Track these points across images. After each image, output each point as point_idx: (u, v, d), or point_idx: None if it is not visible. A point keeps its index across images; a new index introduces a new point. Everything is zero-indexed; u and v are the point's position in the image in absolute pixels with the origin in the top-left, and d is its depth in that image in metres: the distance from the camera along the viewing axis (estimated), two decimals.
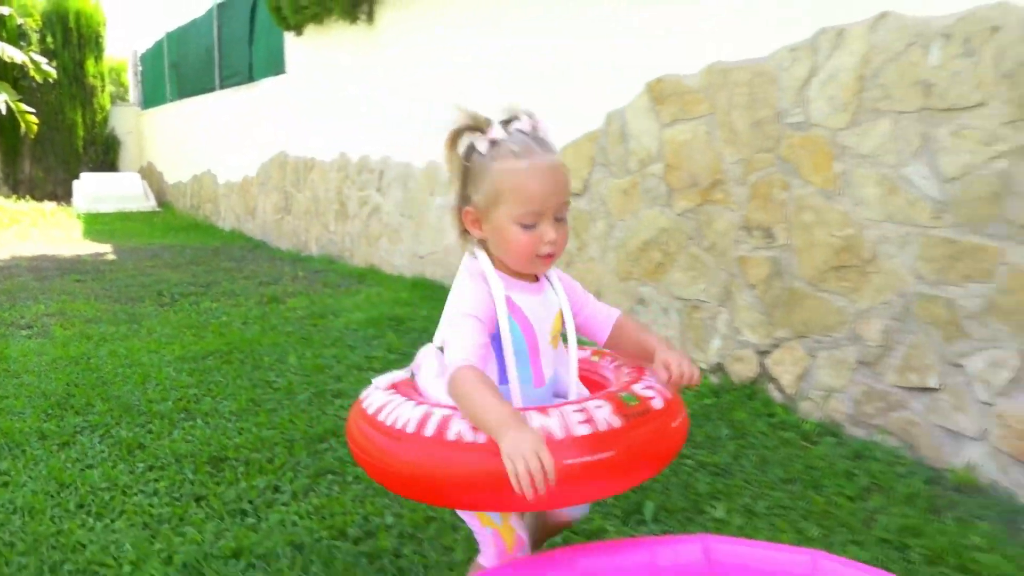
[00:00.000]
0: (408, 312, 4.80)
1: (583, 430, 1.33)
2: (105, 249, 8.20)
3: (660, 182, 3.75)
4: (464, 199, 1.49)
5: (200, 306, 5.16)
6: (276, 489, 2.44)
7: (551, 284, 1.60)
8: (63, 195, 13.56)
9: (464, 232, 1.52)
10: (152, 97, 13.63)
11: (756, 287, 3.33)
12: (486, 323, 1.44)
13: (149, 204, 12.55)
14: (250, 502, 2.34)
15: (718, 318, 3.54)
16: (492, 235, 1.47)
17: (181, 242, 8.67)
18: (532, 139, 1.44)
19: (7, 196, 12.95)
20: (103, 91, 14.58)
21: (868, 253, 2.88)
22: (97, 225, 10.34)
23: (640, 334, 1.63)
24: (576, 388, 1.60)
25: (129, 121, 14.94)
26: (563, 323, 1.57)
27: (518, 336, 1.49)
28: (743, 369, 3.42)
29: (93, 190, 12.46)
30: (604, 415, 1.36)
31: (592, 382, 1.70)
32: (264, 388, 3.38)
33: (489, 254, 1.51)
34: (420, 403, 1.43)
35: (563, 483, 1.26)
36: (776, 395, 3.27)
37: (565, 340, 1.59)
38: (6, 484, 2.44)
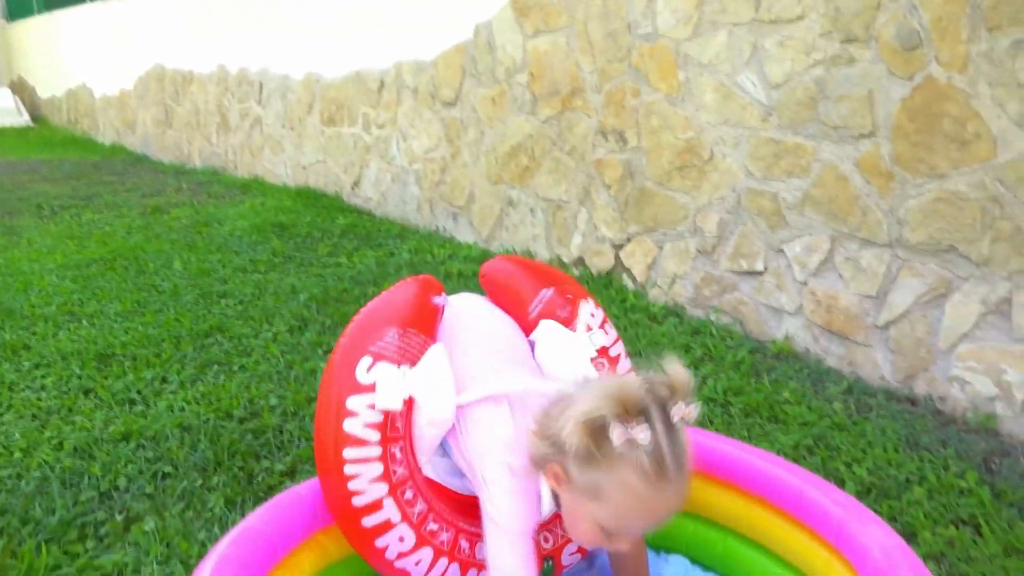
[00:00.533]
0: (292, 219, 4.73)
1: None
2: None
3: (525, 91, 3.80)
4: (560, 451, 1.15)
5: (82, 218, 4.94)
6: (164, 380, 2.44)
7: None
8: None
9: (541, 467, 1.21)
10: (17, 9, 12.50)
11: (611, 187, 3.47)
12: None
13: (22, 119, 11.65)
14: (138, 392, 2.34)
15: (579, 216, 3.67)
16: (565, 503, 1.19)
17: (59, 156, 8.15)
18: (672, 452, 1.08)
19: None
20: None
21: (707, 153, 3.04)
22: None
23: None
24: None
25: None
26: None
27: None
28: (601, 262, 3.58)
29: None
30: None
31: None
32: (149, 291, 3.31)
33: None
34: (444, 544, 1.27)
35: None
36: (629, 283, 3.45)
37: None
38: None
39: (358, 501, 1.21)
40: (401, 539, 1.23)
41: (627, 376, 1.37)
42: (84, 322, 2.91)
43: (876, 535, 1.24)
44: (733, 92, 2.90)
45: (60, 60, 10.85)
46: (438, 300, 1.41)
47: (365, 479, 1.22)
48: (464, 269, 3.78)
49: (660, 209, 3.27)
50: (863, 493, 1.88)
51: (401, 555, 1.24)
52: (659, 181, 3.25)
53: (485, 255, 3.98)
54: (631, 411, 1.07)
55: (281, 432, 2.11)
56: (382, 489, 1.22)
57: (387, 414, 1.25)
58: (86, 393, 2.33)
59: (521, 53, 3.78)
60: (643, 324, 3.05)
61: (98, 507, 1.79)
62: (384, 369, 1.26)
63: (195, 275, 3.55)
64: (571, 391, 1.19)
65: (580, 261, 3.68)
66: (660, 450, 1.07)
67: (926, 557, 1.63)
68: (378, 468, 1.22)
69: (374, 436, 1.23)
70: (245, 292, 3.30)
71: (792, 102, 2.71)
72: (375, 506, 1.22)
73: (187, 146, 7.57)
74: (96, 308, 3.06)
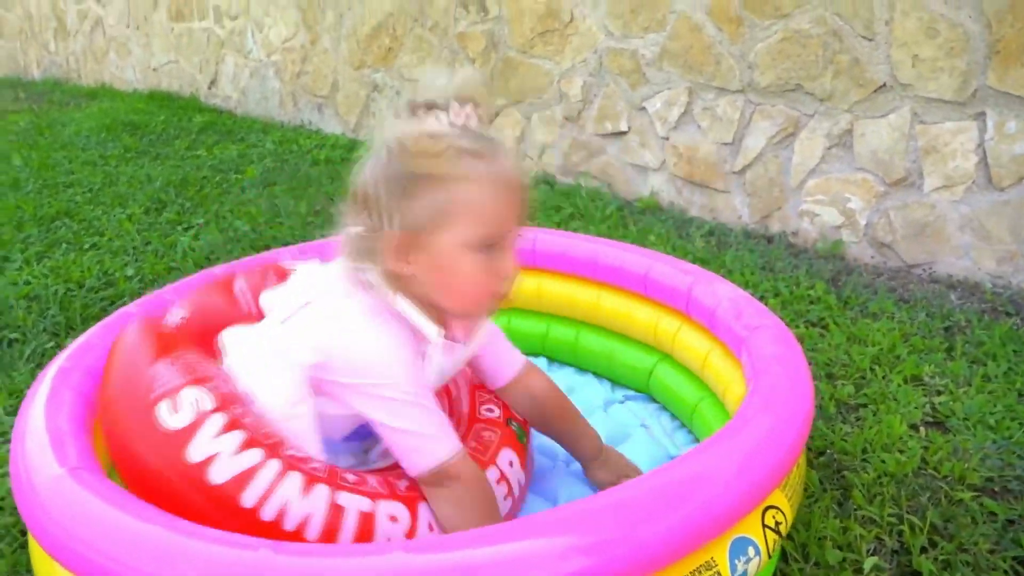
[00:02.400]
0: (144, 119, 4.40)
1: (506, 506, 1.05)
2: None
3: None
4: (382, 219, 0.98)
5: None
6: (6, 259, 2.25)
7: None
8: None
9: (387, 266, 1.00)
10: None
11: (475, 61, 3.38)
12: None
13: None
14: None
15: None
16: (428, 271, 0.99)
17: None
18: (482, 136, 0.99)
19: None
20: None
21: (567, 16, 2.99)
22: None
23: (566, 414, 1.23)
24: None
25: None
26: None
27: None
28: None
29: None
30: (516, 475, 1.08)
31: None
32: None
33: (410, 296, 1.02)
34: (312, 475, 0.90)
35: None
36: None
37: None
38: None
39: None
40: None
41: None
42: None
43: (723, 291, 1.28)
44: None
45: None
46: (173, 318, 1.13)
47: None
48: (332, 156, 3.65)
49: (525, 79, 3.22)
50: None
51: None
52: (522, 50, 3.19)
53: (353, 144, 3.85)
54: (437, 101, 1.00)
55: (140, 295, 1.98)
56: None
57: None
58: None
59: None
60: None
61: None
62: (191, 396, 0.94)
63: (37, 169, 3.26)
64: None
65: None
66: (467, 132, 0.98)
67: None
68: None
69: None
70: (95, 181, 3.06)
71: None
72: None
73: (23, 57, 6.90)
74: None
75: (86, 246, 2.36)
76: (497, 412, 1.10)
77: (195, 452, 0.88)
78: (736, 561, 0.83)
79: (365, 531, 0.88)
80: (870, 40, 2.21)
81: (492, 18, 3.26)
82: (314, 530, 0.86)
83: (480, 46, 3.33)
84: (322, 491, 0.89)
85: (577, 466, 1.25)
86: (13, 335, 1.79)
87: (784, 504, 0.92)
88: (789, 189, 2.50)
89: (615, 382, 1.56)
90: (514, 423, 1.09)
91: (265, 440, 0.92)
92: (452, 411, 1.16)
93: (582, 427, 1.23)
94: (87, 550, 0.77)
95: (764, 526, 0.88)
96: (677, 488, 0.80)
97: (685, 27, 2.65)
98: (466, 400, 1.16)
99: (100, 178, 3.10)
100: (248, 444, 0.90)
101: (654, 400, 1.49)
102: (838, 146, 2.37)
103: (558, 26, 3.03)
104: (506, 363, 1.21)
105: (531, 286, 1.60)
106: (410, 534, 0.89)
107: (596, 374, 1.59)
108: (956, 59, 2.06)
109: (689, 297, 1.33)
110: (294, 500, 0.87)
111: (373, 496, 0.91)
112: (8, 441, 1.26)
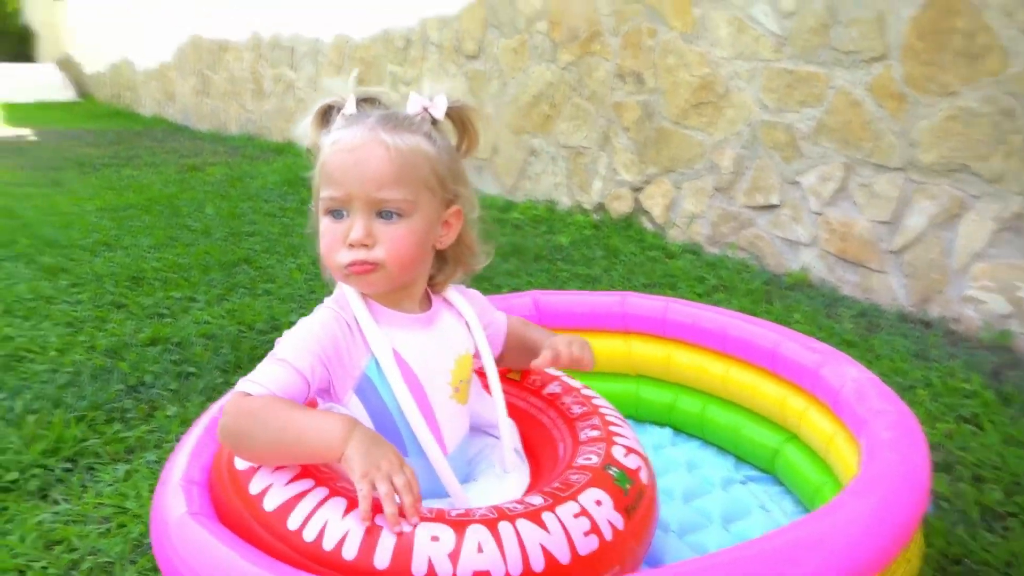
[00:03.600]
0: None
1: (589, 544, 0.96)
2: (25, 132, 7.83)
3: (545, 38, 3.81)
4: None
5: (121, 173, 5.06)
6: (191, 299, 2.52)
7: (452, 309, 1.18)
8: None
9: None
10: None
11: (629, 130, 3.47)
12: (314, 385, 1.03)
13: (69, 94, 11.92)
14: (167, 308, 2.42)
15: (599, 162, 3.68)
16: (416, 231, 1.06)
17: (102, 127, 8.33)
18: (363, 116, 1.07)
19: None
20: None
21: (722, 89, 3.03)
22: (17, 113, 9.80)
23: (525, 332, 1.28)
24: (508, 429, 1.20)
25: (43, 13, 13.97)
26: (470, 360, 1.18)
27: (391, 400, 1.07)
28: (620, 206, 3.59)
29: (10, 81, 11.73)
30: (606, 515, 1.00)
31: (518, 410, 1.31)
32: (181, 230, 3.40)
33: None
34: (353, 498, 0.94)
35: None
36: (648, 226, 3.46)
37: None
38: None
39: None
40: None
41: None
42: (119, 251, 3.00)
43: (850, 373, 1.25)
44: (746, 25, 2.89)
45: (104, 36, 11.05)
46: None
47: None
48: (484, 215, 3.81)
49: (677, 148, 3.27)
50: None
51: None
52: (676, 120, 3.25)
53: (508, 205, 4.01)
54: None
55: None
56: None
57: None
58: (118, 307, 2.41)
59: (540, 1, 3.79)
60: (659, 260, 3.06)
61: (126, 398, 1.86)
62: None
63: (226, 218, 3.63)
64: None
65: (600, 207, 3.69)
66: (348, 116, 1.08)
67: None
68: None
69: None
70: (273, 232, 3.38)
71: (804, 30, 2.70)
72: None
73: (223, 114, 7.69)
74: (131, 241, 3.16)
75: (259, 291, 2.60)
76: (595, 460, 1.10)
77: (255, 485, 0.99)
78: None
79: (403, 549, 0.89)
80: None
81: (648, 89, 3.34)
82: (351, 547, 0.90)
83: (635, 116, 3.42)
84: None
85: (691, 537, 1.26)
86: (191, 369, 2.00)
87: None
88: (952, 272, 2.39)
89: (740, 459, 1.54)
90: (613, 468, 1.08)
91: (317, 472, 1.00)
92: (554, 462, 1.19)
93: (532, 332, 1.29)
94: None
95: None
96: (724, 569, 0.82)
97: (844, 102, 2.61)
98: (568, 452, 1.18)
99: (278, 229, 3.41)
100: (299, 476, 0.98)
101: (779, 483, 1.47)
102: (1009, 230, 2.24)
103: (713, 98, 3.07)
104: (498, 332, 1.27)
105: (660, 355, 1.62)
106: (454, 555, 0.89)
107: (721, 449, 1.58)
108: None
109: (816, 376, 1.31)
110: (333, 521, 0.92)
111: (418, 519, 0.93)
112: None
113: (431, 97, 1.10)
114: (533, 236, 3.39)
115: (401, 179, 1.03)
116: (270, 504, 0.96)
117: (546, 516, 0.96)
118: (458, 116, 1.13)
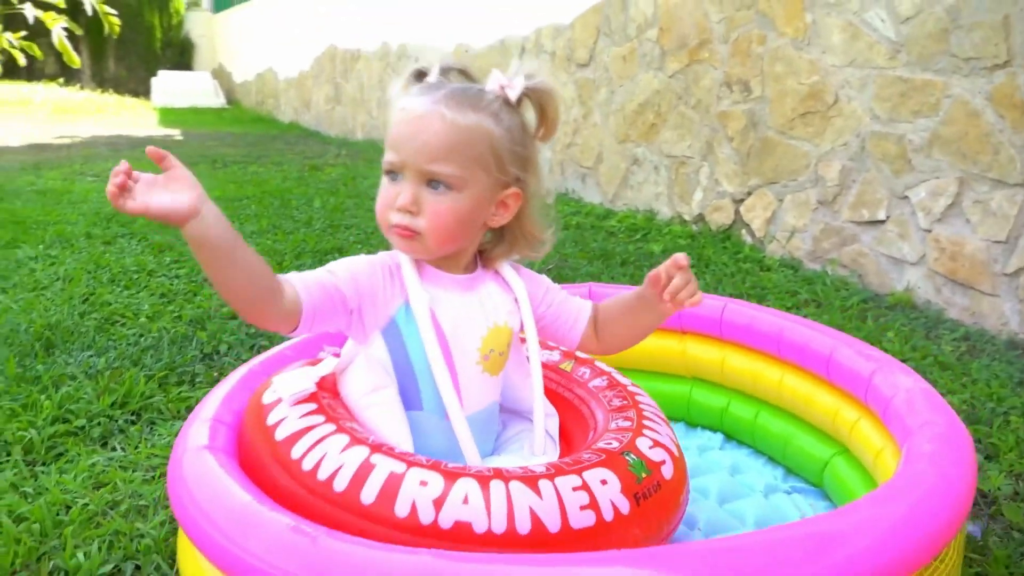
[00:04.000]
0: None
1: (584, 519, 0.94)
2: (175, 132, 8.44)
3: (655, 46, 3.75)
4: None
5: (248, 170, 5.36)
6: None
7: (502, 283, 1.18)
8: (143, 92, 13.84)
9: None
10: (222, 1, 13.71)
11: (733, 139, 3.36)
12: (346, 293, 1.06)
13: (219, 101, 12.77)
14: None
15: (700, 172, 3.58)
16: (454, 207, 1.07)
17: (243, 131, 8.87)
18: (439, 87, 1.09)
19: (93, 90, 13.28)
20: None
21: (831, 98, 2.88)
22: (171, 116, 10.59)
23: (621, 301, 1.22)
24: (543, 410, 1.18)
25: (202, 25, 15.07)
26: (509, 335, 1.17)
27: (416, 351, 1.09)
28: (720, 217, 3.48)
29: (169, 87, 12.71)
30: (610, 495, 0.97)
31: (561, 399, 1.30)
32: (286, 219, 3.56)
33: None
34: (357, 438, 0.98)
35: None
36: (748, 239, 3.34)
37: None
38: (54, 263, 2.69)
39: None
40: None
41: None
42: None
43: (903, 382, 1.15)
44: (861, 31, 2.74)
45: (253, 46, 11.79)
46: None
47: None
48: (583, 222, 3.79)
49: (781, 159, 3.13)
50: None
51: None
52: (781, 130, 3.12)
53: (607, 213, 3.97)
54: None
55: None
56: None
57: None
58: (210, 283, 2.54)
59: (652, 7, 3.74)
60: (752, 272, 2.94)
61: (198, 363, 1.95)
62: (292, 383, 1.08)
63: (330, 211, 3.77)
64: None
65: (700, 218, 3.59)
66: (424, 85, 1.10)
67: (1003, 473, 1.49)
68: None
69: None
70: (370, 226, 3.47)
71: (922, 36, 2.53)
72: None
73: (352, 121, 8.02)
74: (237, 227, 3.28)
75: None
76: (616, 446, 1.06)
77: (273, 417, 1.04)
78: None
79: (389, 489, 0.91)
80: None
81: (754, 98, 3.23)
82: (342, 480, 0.92)
83: (740, 124, 3.31)
84: (360, 451, 0.95)
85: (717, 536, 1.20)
86: (263, 343, 2.07)
87: None
88: None
89: (790, 470, 1.45)
90: (632, 455, 1.04)
91: (331, 412, 1.03)
92: (584, 438, 1.18)
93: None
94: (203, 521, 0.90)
95: None
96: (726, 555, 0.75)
97: (961, 112, 2.43)
98: (594, 439, 1.14)
99: (375, 224, 3.50)
100: (312, 412, 1.02)
101: (827, 497, 1.36)
102: None
103: (821, 107, 2.92)
104: (573, 318, 1.21)
105: (716, 357, 1.55)
106: (439, 502, 0.90)
107: (772, 459, 1.49)
108: None
109: (869, 384, 1.21)
110: (332, 454, 0.95)
111: (412, 464, 0.94)
112: None
113: (511, 77, 1.10)
114: (625, 243, 3.33)
115: (453, 154, 1.04)
116: (281, 434, 1.00)
117: (543, 483, 0.95)
118: (536, 98, 1.12)
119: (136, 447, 1.55)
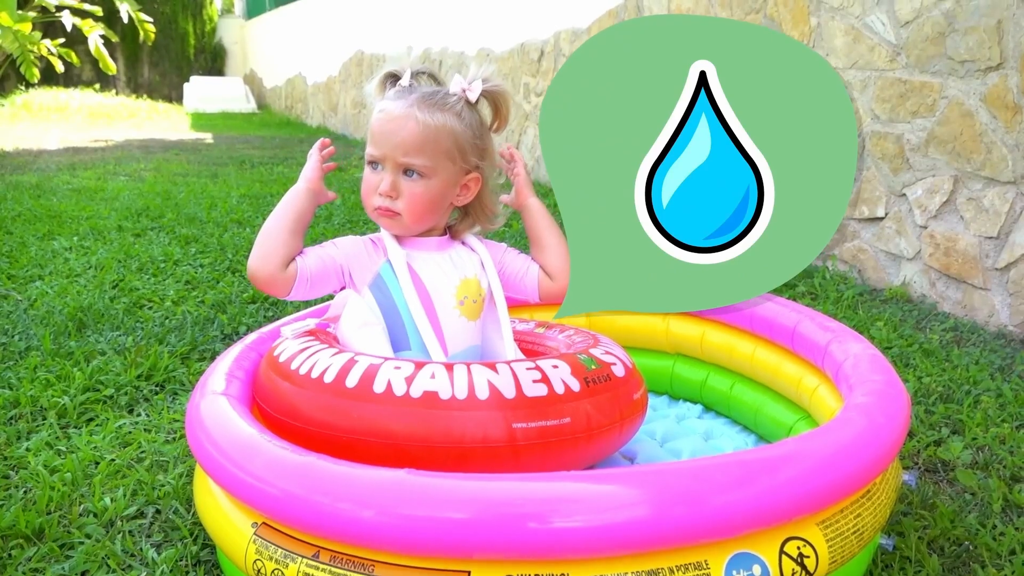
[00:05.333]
0: None
1: (537, 390, 1.09)
2: (206, 136, 8.70)
3: None
4: None
5: (274, 170, 5.55)
6: None
7: (468, 248, 1.40)
8: (176, 97, 14.22)
9: None
10: (254, 7, 14.03)
11: None
12: (339, 254, 1.30)
13: (250, 106, 13.07)
14: None
15: None
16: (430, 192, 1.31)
17: (271, 134, 9.11)
18: (411, 91, 1.31)
19: (128, 95, 13.67)
20: (211, 4, 15.10)
21: None
22: (202, 120, 10.89)
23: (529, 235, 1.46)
24: (512, 346, 1.37)
25: (234, 32, 15.43)
26: (479, 287, 1.36)
27: (400, 297, 1.29)
28: None
29: (201, 92, 13.04)
30: (561, 375, 1.13)
31: (534, 353, 1.45)
32: None
33: None
34: (341, 351, 1.18)
35: (513, 454, 1.07)
36: None
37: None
38: (87, 253, 2.87)
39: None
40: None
41: None
42: (248, 229, 3.34)
43: (853, 348, 1.26)
44: (862, 34, 2.84)
45: (283, 52, 12.06)
46: None
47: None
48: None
49: None
50: (920, 393, 1.83)
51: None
52: None
53: None
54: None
55: None
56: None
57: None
58: (232, 272, 2.71)
59: (665, 12, 3.86)
60: None
61: (219, 342, 2.11)
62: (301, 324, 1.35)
63: (349, 208, 3.93)
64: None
65: None
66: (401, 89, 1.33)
67: (965, 446, 1.58)
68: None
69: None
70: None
71: (920, 39, 2.62)
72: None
73: None
74: (260, 222, 3.45)
75: None
76: (568, 352, 1.25)
77: (278, 349, 1.26)
78: (734, 571, 0.86)
79: (368, 375, 1.10)
80: None
81: None
82: (330, 374, 1.12)
83: None
84: (345, 355, 1.16)
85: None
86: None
87: (818, 541, 0.92)
88: None
89: (761, 437, 1.56)
90: (583, 356, 1.21)
91: (324, 338, 1.26)
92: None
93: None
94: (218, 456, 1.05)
95: (783, 552, 0.89)
96: (672, 477, 0.87)
97: (956, 113, 2.52)
98: (559, 348, 1.38)
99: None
100: (309, 340, 1.24)
101: None
102: None
103: None
104: (524, 271, 1.43)
105: (695, 333, 1.66)
106: (409, 379, 1.09)
107: (746, 428, 1.60)
108: None
109: (826, 352, 1.32)
110: (322, 360, 1.16)
111: (388, 359, 1.14)
112: None
113: (471, 81, 1.33)
114: None
115: (425, 149, 1.27)
116: (284, 356, 1.21)
117: (500, 366, 1.13)
118: (492, 98, 1.35)
119: (160, 413, 1.70)
